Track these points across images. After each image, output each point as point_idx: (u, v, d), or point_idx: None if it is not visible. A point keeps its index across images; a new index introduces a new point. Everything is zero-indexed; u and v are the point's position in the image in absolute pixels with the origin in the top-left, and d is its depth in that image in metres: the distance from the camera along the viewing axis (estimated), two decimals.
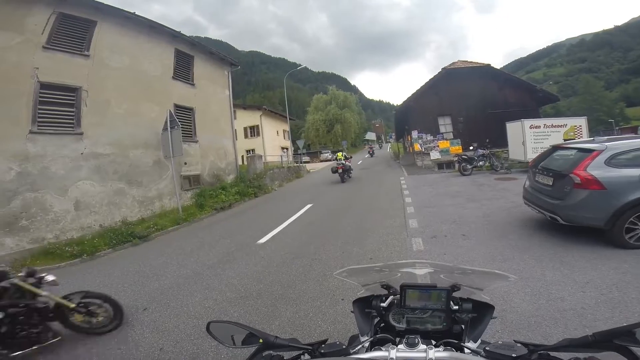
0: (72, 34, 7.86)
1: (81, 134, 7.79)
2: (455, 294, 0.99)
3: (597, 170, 3.92)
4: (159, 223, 8.31)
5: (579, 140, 9.02)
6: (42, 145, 7.01)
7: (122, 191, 8.59)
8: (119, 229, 7.45)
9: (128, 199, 8.75)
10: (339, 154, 15.36)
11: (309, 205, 9.17)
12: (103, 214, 8.02)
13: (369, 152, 38.58)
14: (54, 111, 7.35)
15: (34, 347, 2.72)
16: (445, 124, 17.38)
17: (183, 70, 11.50)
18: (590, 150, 4.15)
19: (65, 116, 7.62)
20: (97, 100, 8.19)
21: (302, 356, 0.85)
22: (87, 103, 7.96)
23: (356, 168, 20.89)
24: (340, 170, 13.96)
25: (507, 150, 13.79)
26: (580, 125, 12.44)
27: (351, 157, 16.89)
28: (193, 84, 11.87)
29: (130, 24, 9.40)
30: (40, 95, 7.08)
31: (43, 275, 3.00)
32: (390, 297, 1.07)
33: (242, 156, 22.20)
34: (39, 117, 7.02)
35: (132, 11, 9.38)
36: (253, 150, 27.14)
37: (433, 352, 0.75)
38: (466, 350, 0.83)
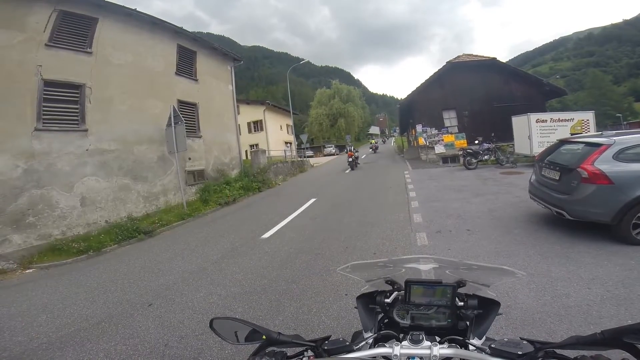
0: (74, 32, 7.86)
1: (86, 130, 7.84)
2: (461, 290, 0.98)
3: (605, 164, 3.86)
4: (163, 218, 8.38)
5: (586, 134, 8.90)
6: (47, 143, 7.06)
7: (127, 187, 8.66)
8: (124, 225, 7.52)
9: (133, 195, 8.81)
10: (372, 140, 26.05)
11: (312, 200, 9.18)
12: (108, 209, 8.09)
13: (371, 147, 34.53)
14: (58, 108, 7.39)
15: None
16: (450, 118, 17.22)
17: (186, 66, 11.48)
18: (598, 145, 4.08)
19: (70, 113, 7.66)
20: (101, 97, 8.22)
21: (305, 352, 0.85)
22: (91, 100, 7.99)
23: (360, 162, 20.87)
24: (373, 148, 23.71)
25: (513, 144, 13.65)
26: (588, 120, 12.26)
27: (378, 145, 29.59)
28: (196, 80, 11.86)
29: (132, 20, 9.38)
30: (45, 92, 7.11)
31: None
32: (395, 293, 1.06)
33: (246, 151, 22.28)
34: (44, 115, 7.07)
35: (133, 7, 9.37)
36: (257, 145, 27.24)
37: (437, 349, 0.74)
38: (471, 347, 0.82)
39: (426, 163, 16.46)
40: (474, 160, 12.59)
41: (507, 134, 13.78)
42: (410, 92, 18.35)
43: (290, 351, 0.84)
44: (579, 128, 12.06)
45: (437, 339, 0.85)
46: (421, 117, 17.58)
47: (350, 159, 17.60)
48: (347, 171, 16.85)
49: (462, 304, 0.96)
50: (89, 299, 4.03)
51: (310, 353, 0.84)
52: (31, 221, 6.61)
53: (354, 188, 10.95)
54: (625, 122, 41.15)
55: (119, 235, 7.08)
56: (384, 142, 50.63)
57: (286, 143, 33.02)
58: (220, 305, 3.42)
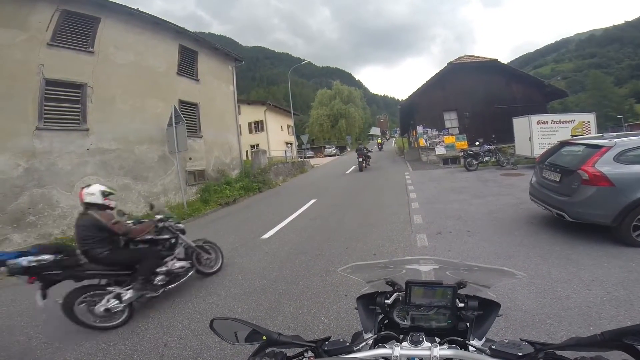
0: (77, 31, 7.90)
1: (87, 130, 7.86)
2: (461, 291, 0.98)
3: (605, 166, 3.85)
4: None
5: (587, 136, 8.89)
6: (48, 142, 7.08)
7: (127, 186, 8.66)
8: None
9: (133, 195, 8.82)
10: (379, 139, 25.57)
11: (312, 201, 9.17)
12: None
13: (378, 145, 39.62)
14: (59, 108, 7.42)
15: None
16: (451, 119, 17.22)
17: (187, 66, 11.51)
18: (599, 146, 4.07)
19: (71, 112, 7.69)
20: (103, 97, 8.24)
21: (305, 353, 0.85)
22: (93, 99, 8.01)
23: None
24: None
25: (514, 146, 13.64)
26: (589, 121, 12.26)
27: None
28: (197, 80, 11.89)
29: (135, 20, 9.41)
30: (46, 92, 7.14)
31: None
32: (395, 294, 1.06)
33: (247, 151, 22.29)
34: (45, 114, 7.09)
35: (135, 7, 9.39)
36: (257, 145, 27.26)
37: (437, 350, 0.74)
38: (471, 348, 0.82)
39: (427, 164, 16.44)
40: (474, 162, 12.57)
41: (507, 136, 13.78)
42: (411, 93, 18.38)
43: (290, 352, 0.84)
44: (580, 130, 12.05)
45: (437, 340, 0.85)
46: (422, 118, 17.58)
47: None
48: (348, 172, 16.79)
49: (462, 305, 0.96)
50: None
51: (310, 354, 0.84)
52: (31, 220, 6.62)
53: (354, 189, 10.94)
54: (626, 124, 41.14)
55: None
56: (380, 148, 39.30)
57: (287, 144, 33.05)
58: (220, 305, 3.42)
